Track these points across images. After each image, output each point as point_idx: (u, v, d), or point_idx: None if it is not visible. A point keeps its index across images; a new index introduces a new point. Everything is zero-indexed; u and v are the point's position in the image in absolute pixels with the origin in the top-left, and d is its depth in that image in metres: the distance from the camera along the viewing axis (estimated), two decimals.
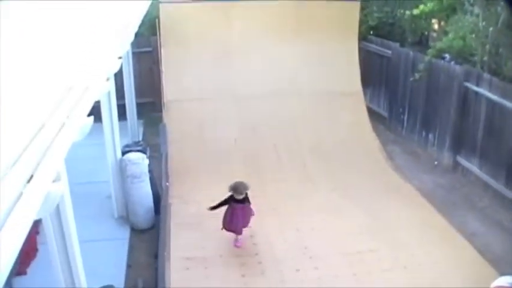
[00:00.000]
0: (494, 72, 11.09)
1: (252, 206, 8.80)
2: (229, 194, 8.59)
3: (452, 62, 12.08)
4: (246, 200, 8.66)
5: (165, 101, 12.36)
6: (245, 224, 8.76)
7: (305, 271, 8.18)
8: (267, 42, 12.96)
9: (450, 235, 9.27)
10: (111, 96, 9.07)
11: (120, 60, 7.83)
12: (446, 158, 11.88)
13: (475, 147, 11.11)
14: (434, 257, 8.58)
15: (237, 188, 8.54)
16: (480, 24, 11.57)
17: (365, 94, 13.71)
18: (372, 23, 14.96)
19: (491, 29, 11.33)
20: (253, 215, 8.87)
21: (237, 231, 8.70)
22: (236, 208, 8.58)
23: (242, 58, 12.81)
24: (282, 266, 8.28)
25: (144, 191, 9.47)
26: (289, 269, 8.22)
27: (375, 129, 13.02)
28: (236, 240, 8.79)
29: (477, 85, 10.94)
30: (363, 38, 14.39)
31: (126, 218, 9.59)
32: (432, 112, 12.36)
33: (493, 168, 10.60)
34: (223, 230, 8.67)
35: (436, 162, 12.04)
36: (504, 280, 1.32)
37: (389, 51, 13.87)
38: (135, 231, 9.41)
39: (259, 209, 9.74)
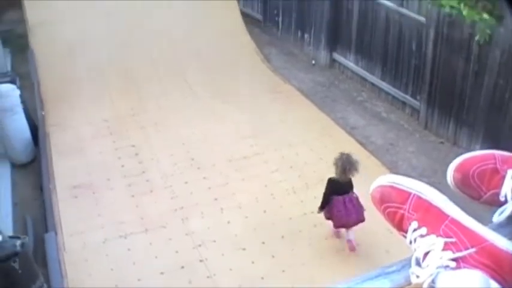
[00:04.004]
0: None
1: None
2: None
3: None
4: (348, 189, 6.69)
5: (29, 25, 11.65)
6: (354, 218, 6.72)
7: (194, 183, 8.21)
8: None
9: (332, 131, 9.56)
10: None
11: None
12: (323, 56, 12.05)
13: (350, 43, 11.31)
14: (319, 153, 8.84)
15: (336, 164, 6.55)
16: None
17: None
18: None
19: None
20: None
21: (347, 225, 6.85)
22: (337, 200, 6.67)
23: None
24: (170, 181, 8.26)
25: (19, 124, 9.00)
26: (177, 183, 8.22)
27: (251, 32, 12.90)
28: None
29: None
30: None
31: (4, 154, 9.11)
32: (306, 12, 12.37)
33: (369, 62, 10.87)
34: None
35: (313, 61, 12.19)
36: (385, 179, 1.35)
37: None
38: (16, 166, 9.00)
39: (142, 126, 9.62)
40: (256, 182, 8.24)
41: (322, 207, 6.85)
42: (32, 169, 8.90)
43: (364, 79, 11.00)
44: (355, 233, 6.94)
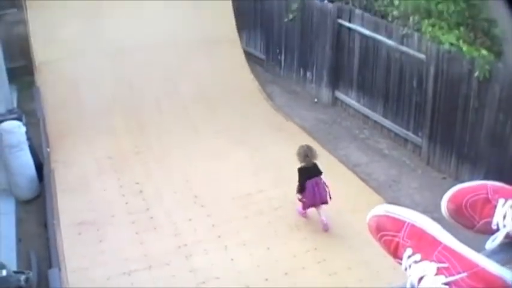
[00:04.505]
0: (365, 8, 11.37)
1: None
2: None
3: (325, 1, 12.26)
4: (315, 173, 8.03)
5: (36, 63, 11.81)
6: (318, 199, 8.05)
7: (198, 220, 8.26)
8: None
9: (335, 168, 9.57)
10: None
11: None
12: (325, 94, 12.16)
13: (351, 81, 11.44)
14: None
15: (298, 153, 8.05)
16: None
17: (241, 38, 13.67)
18: None
19: None
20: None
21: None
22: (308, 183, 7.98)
23: (113, 12, 12.34)
24: (174, 218, 8.30)
25: (24, 160, 9.10)
26: (181, 220, 8.26)
27: (253, 71, 13.05)
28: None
29: (350, 21, 11.19)
30: None
31: (9, 190, 9.18)
32: (308, 50, 12.54)
33: (371, 100, 10.99)
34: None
35: (315, 99, 12.30)
36: (380, 209, 1.40)
37: None
38: (20, 203, 9.06)
39: (146, 163, 9.69)
40: (260, 219, 8.27)
41: (300, 191, 8.06)
42: (37, 205, 8.96)
43: (366, 116, 11.10)
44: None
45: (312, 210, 8.22)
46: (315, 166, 8.04)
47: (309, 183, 7.94)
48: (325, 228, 8.03)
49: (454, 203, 1.39)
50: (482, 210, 1.35)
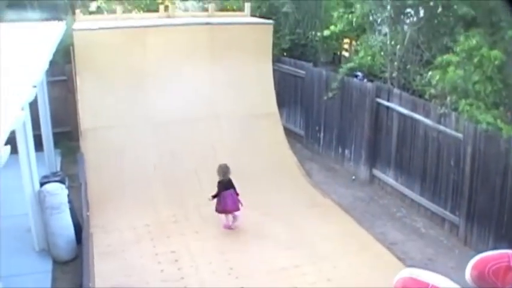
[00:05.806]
0: (403, 87, 11.58)
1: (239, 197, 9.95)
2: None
3: (365, 80, 12.52)
4: (231, 186, 9.95)
5: (81, 129, 12.17)
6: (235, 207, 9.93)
7: None
8: (182, 67, 13.00)
9: (371, 245, 9.53)
10: (27, 127, 8.87)
11: (35, 89, 7.76)
12: (363, 171, 12.24)
13: (389, 159, 11.52)
14: (357, 268, 8.80)
15: (218, 171, 10.02)
16: (388, 42, 12.08)
17: (281, 114, 13.95)
18: (284, 45, 15.31)
19: (398, 46, 11.85)
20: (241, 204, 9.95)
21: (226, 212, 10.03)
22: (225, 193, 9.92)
23: (158, 84, 12.78)
24: None
25: (64, 222, 9.28)
26: None
27: (293, 148, 13.27)
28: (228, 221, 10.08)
29: (388, 100, 11.38)
30: (276, 60, 14.67)
31: (47, 250, 9.35)
32: (347, 128, 12.72)
33: (408, 178, 11.01)
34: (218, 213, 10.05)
35: (353, 177, 12.38)
36: (407, 272, 1.47)
37: (303, 72, 14.19)
38: (57, 263, 9.17)
39: (183, 233, 9.79)
40: None
41: (213, 197, 9.93)
42: (73, 267, 9.05)
43: (404, 195, 11.10)
44: None
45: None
46: (230, 181, 9.93)
47: (225, 193, 9.84)
48: (233, 226, 10.03)
49: (478, 270, 1.47)
50: (504, 277, 1.43)
